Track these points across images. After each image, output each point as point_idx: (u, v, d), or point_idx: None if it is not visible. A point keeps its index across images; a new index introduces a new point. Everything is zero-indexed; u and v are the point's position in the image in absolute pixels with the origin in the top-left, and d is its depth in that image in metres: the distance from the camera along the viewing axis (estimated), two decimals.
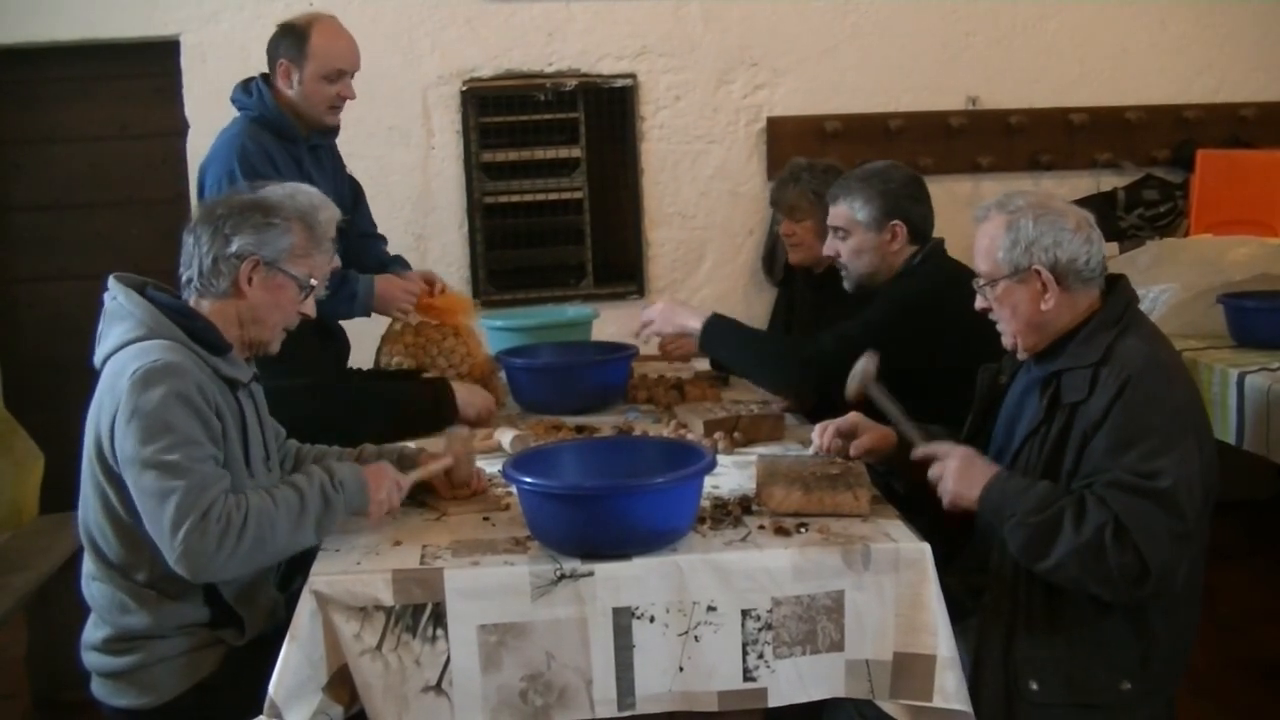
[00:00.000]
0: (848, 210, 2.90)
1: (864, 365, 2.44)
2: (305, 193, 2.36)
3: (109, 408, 2.09)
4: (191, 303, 2.23)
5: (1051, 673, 2.16)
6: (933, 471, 2.22)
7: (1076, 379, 2.16)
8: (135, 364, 2.07)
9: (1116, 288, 2.26)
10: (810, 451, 2.48)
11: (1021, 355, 2.29)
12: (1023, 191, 2.29)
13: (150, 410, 2.03)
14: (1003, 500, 2.12)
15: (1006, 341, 2.30)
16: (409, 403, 2.98)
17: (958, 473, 2.19)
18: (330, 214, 2.75)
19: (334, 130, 3.33)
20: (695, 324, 2.91)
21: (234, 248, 2.20)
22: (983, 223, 2.29)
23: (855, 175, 2.95)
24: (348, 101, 3.27)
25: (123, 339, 2.14)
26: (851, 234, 2.91)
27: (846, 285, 2.99)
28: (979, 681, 2.15)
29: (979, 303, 2.32)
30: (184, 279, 2.24)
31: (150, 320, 2.15)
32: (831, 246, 2.97)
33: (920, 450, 2.28)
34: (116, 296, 2.20)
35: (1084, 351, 2.17)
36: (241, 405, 2.23)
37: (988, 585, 2.23)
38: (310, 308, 2.32)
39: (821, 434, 2.43)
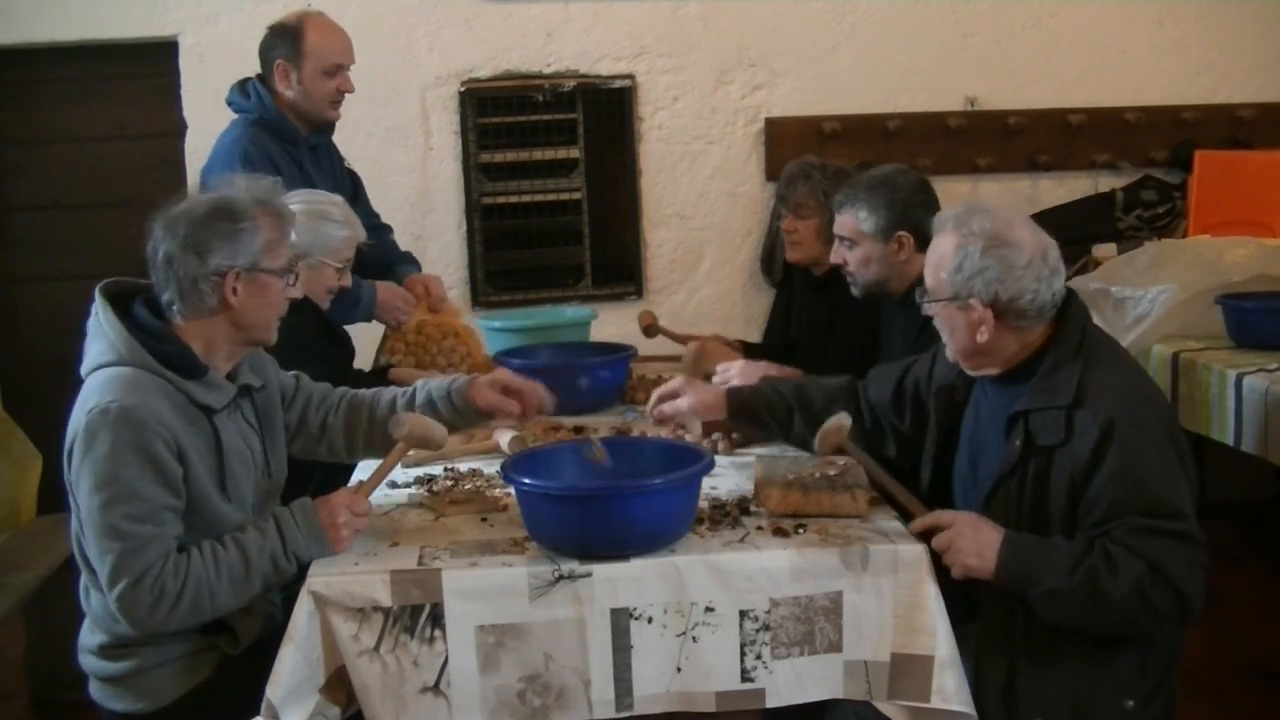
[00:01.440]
0: (853, 220, 2.83)
1: (838, 422, 2.28)
2: (259, 181, 2.28)
3: (71, 432, 2.08)
4: (178, 323, 2.17)
5: (1056, 707, 2.12)
6: (938, 542, 2.12)
7: (1049, 421, 2.10)
8: (96, 399, 2.05)
9: (1068, 312, 2.18)
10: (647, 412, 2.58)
11: (969, 372, 2.26)
12: (987, 211, 2.19)
13: (101, 458, 2.02)
14: (1024, 570, 2.05)
15: (948, 354, 2.27)
16: None
17: (968, 548, 2.08)
18: (352, 234, 2.76)
19: (331, 127, 3.34)
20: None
21: (211, 265, 2.12)
22: (938, 233, 2.22)
23: (862, 184, 2.87)
24: (346, 97, 3.27)
25: (96, 361, 2.12)
26: (858, 244, 2.84)
27: (855, 292, 2.93)
28: None
29: (925, 310, 2.27)
30: (163, 299, 2.17)
31: (122, 345, 2.11)
32: (838, 255, 2.91)
33: (920, 523, 2.16)
34: (97, 314, 2.17)
35: (1052, 390, 2.11)
36: (217, 429, 2.18)
37: (979, 627, 2.19)
38: (296, 291, 2.27)
39: (655, 402, 2.55)
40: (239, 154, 3.04)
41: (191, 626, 2.12)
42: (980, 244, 2.13)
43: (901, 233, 2.80)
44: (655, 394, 2.62)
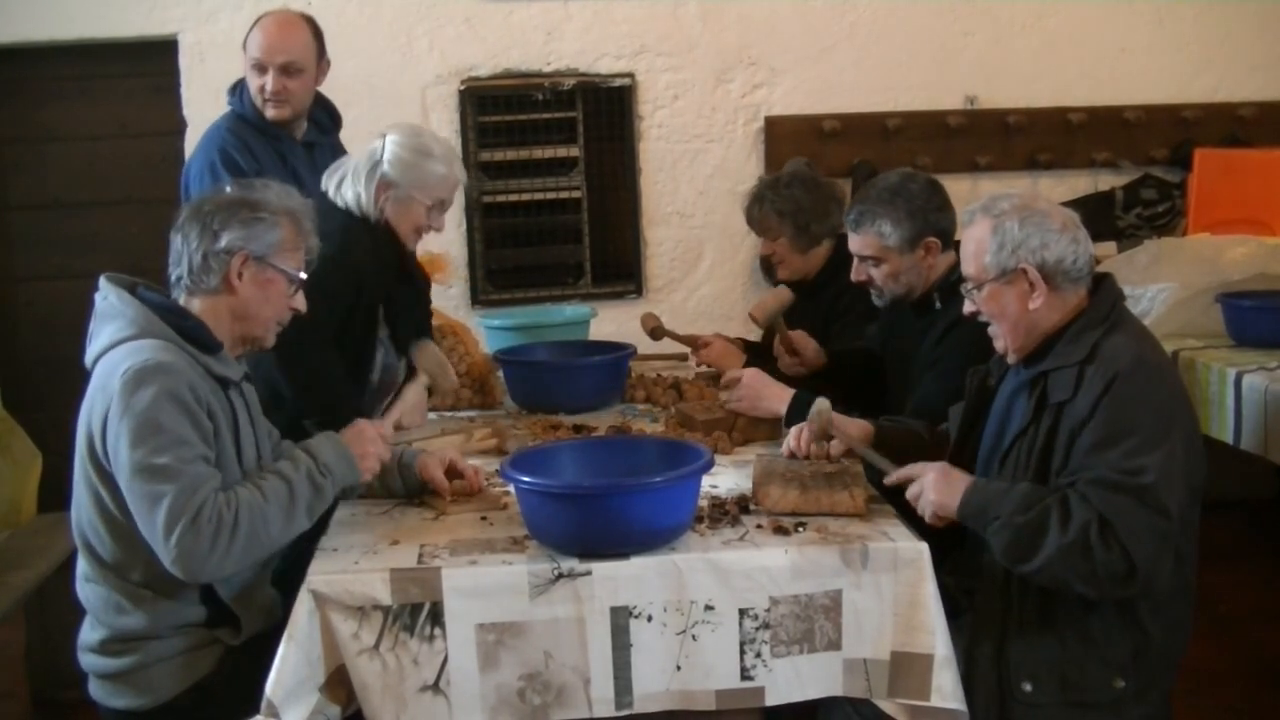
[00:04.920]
0: (876, 238, 2.76)
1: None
2: (290, 191, 2.36)
3: (100, 407, 2.09)
4: (182, 301, 2.23)
5: (1044, 673, 2.15)
6: (911, 491, 2.19)
7: (1063, 378, 2.15)
8: (126, 363, 2.07)
9: (1103, 286, 2.25)
10: (783, 453, 2.44)
11: (1012, 360, 2.28)
12: (1008, 193, 2.28)
13: (141, 410, 2.03)
14: (984, 505, 2.10)
15: (998, 346, 2.29)
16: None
17: (936, 485, 2.16)
18: (449, 173, 2.82)
19: (335, 126, 3.34)
20: (781, 408, 2.69)
21: (223, 243, 2.19)
22: (969, 226, 2.28)
23: (873, 197, 2.79)
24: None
25: (114, 338, 2.14)
26: (884, 260, 2.77)
27: (879, 303, 2.88)
28: (971, 683, 2.14)
29: (968, 307, 2.30)
30: (173, 278, 2.23)
31: (141, 320, 2.15)
32: (860, 273, 2.84)
33: (893, 476, 2.24)
34: (108, 296, 2.20)
35: (1070, 350, 2.17)
36: (233, 404, 2.22)
37: (979, 587, 2.23)
38: (300, 302, 2.32)
39: (796, 438, 2.41)
40: (217, 141, 3.06)
41: (247, 565, 2.13)
42: (1016, 217, 2.21)
43: (929, 238, 2.75)
44: (805, 436, 2.43)
